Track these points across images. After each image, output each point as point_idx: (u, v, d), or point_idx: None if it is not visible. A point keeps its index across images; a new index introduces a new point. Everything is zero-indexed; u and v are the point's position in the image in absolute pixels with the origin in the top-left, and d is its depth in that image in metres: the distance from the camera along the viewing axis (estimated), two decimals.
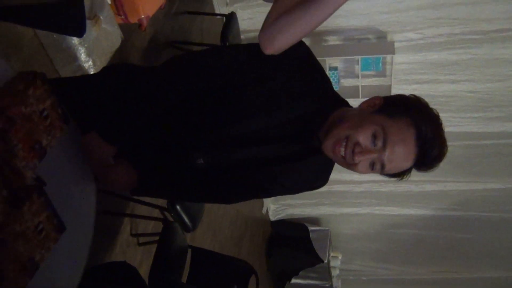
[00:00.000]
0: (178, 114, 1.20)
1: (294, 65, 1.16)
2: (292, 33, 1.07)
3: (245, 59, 1.17)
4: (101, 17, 2.12)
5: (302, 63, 1.17)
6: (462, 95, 4.56)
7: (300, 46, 1.16)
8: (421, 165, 1.09)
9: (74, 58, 2.06)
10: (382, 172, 1.11)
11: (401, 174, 1.14)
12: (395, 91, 4.54)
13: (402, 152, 1.06)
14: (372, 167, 1.09)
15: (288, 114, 1.17)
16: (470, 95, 4.55)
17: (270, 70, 1.15)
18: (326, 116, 1.17)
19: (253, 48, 1.14)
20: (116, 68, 1.30)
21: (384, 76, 4.67)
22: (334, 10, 1.05)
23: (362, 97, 4.56)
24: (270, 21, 1.08)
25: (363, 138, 1.07)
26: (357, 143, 1.07)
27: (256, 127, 1.17)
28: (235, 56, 1.18)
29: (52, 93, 1.05)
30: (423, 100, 1.13)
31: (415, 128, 1.06)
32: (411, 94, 1.15)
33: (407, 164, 1.09)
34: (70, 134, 1.14)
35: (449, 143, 1.10)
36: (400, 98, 1.14)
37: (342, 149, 1.09)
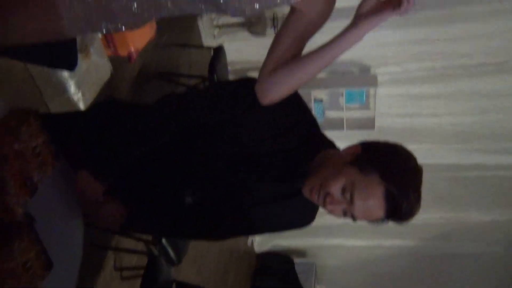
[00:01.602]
0: (168, 152, 1.22)
1: (282, 105, 1.19)
2: (287, 86, 1.11)
3: (234, 98, 1.20)
4: (92, 50, 2.15)
5: (290, 104, 1.20)
6: (444, 128, 4.67)
7: None
8: (393, 217, 1.12)
9: (64, 90, 2.07)
10: (355, 220, 1.14)
11: (376, 222, 1.16)
12: (378, 124, 4.64)
13: (370, 205, 1.09)
14: (344, 214, 1.14)
15: (273, 150, 1.20)
16: (451, 128, 4.67)
17: (259, 109, 1.18)
18: (311, 157, 1.20)
19: (243, 87, 1.17)
20: (107, 105, 1.32)
21: (368, 108, 4.76)
22: (327, 65, 1.10)
23: (346, 129, 4.63)
24: (266, 73, 1.12)
25: (334, 190, 1.11)
26: (328, 193, 1.12)
27: (244, 166, 1.19)
28: (225, 96, 1.21)
29: (44, 129, 1.06)
30: (406, 153, 1.16)
31: (384, 186, 1.08)
32: (398, 144, 1.19)
33: (378, 215, 1.12)
34: (61, 170, 1.14)
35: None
36: (377, 150, 1.17)
37: (316, 196, 1.14)
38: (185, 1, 1.10)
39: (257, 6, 1.08)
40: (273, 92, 1.12)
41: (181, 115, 1.19)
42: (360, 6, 1.03)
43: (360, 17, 1.02)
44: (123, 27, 1.16)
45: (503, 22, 3.95)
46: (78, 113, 1.71)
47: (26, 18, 1.08)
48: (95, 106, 1.33)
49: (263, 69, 1.14)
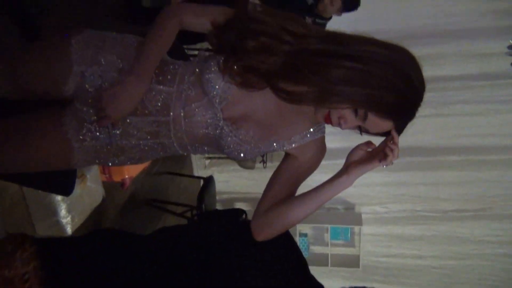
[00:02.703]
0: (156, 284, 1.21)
1: (273, 243, 1.23)
2: (280, 225, 1.19)
3: (226, 235, 1.25)
4: (88, 176, 2.22)
5: (281, 242, 1.25)
6: (428, 270, 4.64)
7: None
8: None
9: (54, 213, 2.09)
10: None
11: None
12: (363, 262, 4.61)
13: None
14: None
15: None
16: (435, 271, 4.64)
17: (249, 247, 1.22)
18: None
19: (236, 224, 1.23)
20: (102, 234, 1.35)
21: (353, 246, 4.77)
22: (319, 207, 1.18)
23: (331, 266, 4.58)
24: (261, 212, 1.20)
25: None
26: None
27: None
28: (218, 232, 1.26)
29: (37, 256, 1.07)
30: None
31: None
32: None
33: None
34: None
35: None
36: None
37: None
38: (190, 144, 1.21)
39: (256, 151, 1.19)
40: (267, 230, 1.19)
41: (174, 250, 1.22)
42: (350, 154, 1.15)
43: (350, 165, 1.13)
44: (129, 161, 1.25)
45: (480, 173, 4.21)
46: (75, 238, 1.71)
47: (37, 150, 1.17)
48: (91, 234, 1.36)
49: (258, 207, 1.22)
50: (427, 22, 3.87)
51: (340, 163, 1.18)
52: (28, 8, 1.33)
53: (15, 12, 1.32)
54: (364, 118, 1.05)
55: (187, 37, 1.35)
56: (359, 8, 3.03)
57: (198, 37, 1.25)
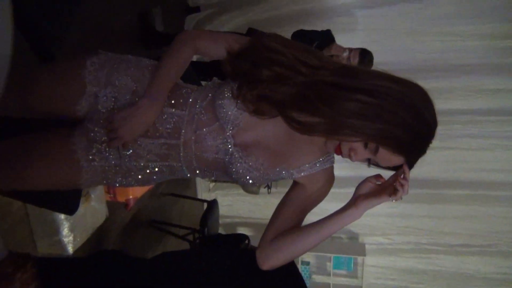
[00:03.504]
0: None
1: (276, 272, 1.22)
2: (286, 255, 1.18)
3: (229, 262, 1.24)
4: (92, 196, 2.22)
5: (285, 272, 1.23)
6: None
7: None
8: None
9: (56, 231, 2.08)
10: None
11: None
12: None
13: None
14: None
15: None
16: None
17: (252, 275, 1.21)
18: None
19: (240, 256, 1.22)
20: (104, 256, 1.34)
21: (356, 277, 4.69)
22: (325, 239, 1.17)
23: None
24: (268, 240, 1.19)
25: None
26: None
27: None
28: (220, 259, 1.25)
29: (38, 277, 1.06)
30: None
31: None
32: None
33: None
34: None
35: None
36: None
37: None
38: (199, 168, 1.21)
39: (265, 178, 1.18)
40: (273, 259, 1.17)
41: (177, 275, 1.20)
42: (358, 187, 1.15)
43: (359, 198, 1.12)
44: (136, 183, 1.25)
45: (486, 208, 4.15)
46: (75, 260, 1.70)
47: (45, 168, 1.17)
48: (93, 256, 1.35)
49: (264, 236, 1.21)
50: (435, 57, 3.89)
51: (347, 192, 1.17)
52: (45, 29, 1.35)
53: (31, 32, 1.35)
54: (375, 151, 1.04)
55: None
56: (368, 40, 3.06)
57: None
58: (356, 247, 4.59)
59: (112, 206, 2.67)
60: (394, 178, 1.09)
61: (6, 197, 1.61)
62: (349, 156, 1.08)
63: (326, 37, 3.16)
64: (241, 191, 4.66)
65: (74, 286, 1.22)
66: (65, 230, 2.09)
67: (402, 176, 1.06)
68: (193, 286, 1.20)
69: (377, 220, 4.44)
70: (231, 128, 1.14)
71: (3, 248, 1.08)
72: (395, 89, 1.00)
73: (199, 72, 1.24)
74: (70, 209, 1.66)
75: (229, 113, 1.13)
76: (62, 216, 2.08)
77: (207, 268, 1.25)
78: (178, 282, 1.20)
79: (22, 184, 1.18)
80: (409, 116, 0.98)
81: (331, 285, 4.57)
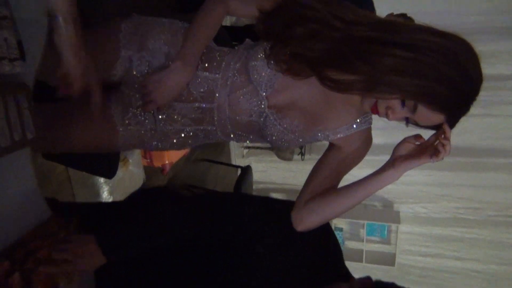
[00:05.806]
0: (184, 261, 1.15)
1: (310, 236, 1.19)
2: (322, 216, 1.14)
3: (264, 216, 1.20)
4: (130, 160, 2.28)
5: (320, 230, 1.20)
6: (467, 273, 4.49)
7: None
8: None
9: (97, 195, 2.15)
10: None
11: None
12: (399, 260, 4.53)
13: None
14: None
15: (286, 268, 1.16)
16: (474, 275, 4.49)
17: (286, 235, 1.18)
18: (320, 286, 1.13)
19: (274, 207, 1.19)
20: (153, 193, 1.34)
21: (389, 244, 4.68)
22: (362, 200, 1.13)
23: (365, 262, 4.51)
24: (303, 202, 1.16)
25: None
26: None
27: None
28: (257, 212, 1.19)
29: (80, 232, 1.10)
30: None
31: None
32: None
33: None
34: (86, 280, 1.15)
35: None
36: None
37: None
38: (234, 132, 1.20)
39: (300, 140, 1.16)
40: (309, 220, 1.13)
41: (214, 220, 1.14)
42: (397, 148, 1.08)
43: (397, 159, 1.06)
44: (171, 147, 1.26)
45: None
46: (115, 203, 1.72)
47: (84, 131, 1.19)
48: (141, 192, 1.35)
49: (300, 197, 1.18)
50: (479, 19, 3.70)
51: (382, 159, 1.13)
52: None
53: None
54: (414, 109, 0.99)
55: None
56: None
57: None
58: (390, 214, 4.55)
59: (149, 171, 2.73)
60: (434, 138, 1.03)
61: (50, 161, 1.66)
62: (386, 115, 1.03)
63: (365, 3, 3.04)
64: (275, 157, 4.67)
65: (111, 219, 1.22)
66: (105, 193, 2.16)
67: (443, 136, 1.00)
68: (239, 227, 1.14)
69: (413, 188, 4.37)
70: (265, 90, 1.12)
71: (47, 210, 1.12)
72: (435, 42, 0.94)
73: (232, 35, 1.21)
74: (109, 173, 1.72)
75: (263, 74, 1.10)
76: (102, 179, 2.15)
77: (249, 211, 1.20)
78: (224, 220, 1.14)
79: (62, 146, 1.21)
80: (451, 70, 0.92)
81: (364, 251, 4.58)
